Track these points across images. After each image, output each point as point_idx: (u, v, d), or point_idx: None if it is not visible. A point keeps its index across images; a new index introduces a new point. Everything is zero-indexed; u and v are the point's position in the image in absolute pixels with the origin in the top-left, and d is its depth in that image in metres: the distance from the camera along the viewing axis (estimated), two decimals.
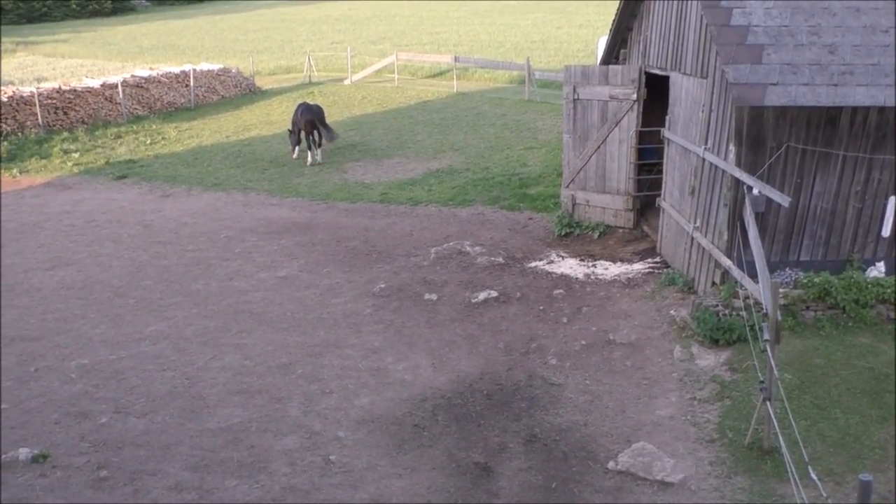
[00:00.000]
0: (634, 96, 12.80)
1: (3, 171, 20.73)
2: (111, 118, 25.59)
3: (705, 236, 10.22)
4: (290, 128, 21.04)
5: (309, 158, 20.38)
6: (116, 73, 30.20)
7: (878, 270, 9.47)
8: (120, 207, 17.30)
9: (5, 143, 22.16)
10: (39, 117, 23.68)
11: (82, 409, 8.51)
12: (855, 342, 8.64)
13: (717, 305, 9.32)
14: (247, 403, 8.55)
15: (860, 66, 8.85)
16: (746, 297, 8.73)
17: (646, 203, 13.77)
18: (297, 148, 20.89)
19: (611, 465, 7.15)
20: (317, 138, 20.32)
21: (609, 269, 12.13)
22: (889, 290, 9.04)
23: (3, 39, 50.85)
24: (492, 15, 56.84)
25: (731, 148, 9.21)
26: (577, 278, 11.87)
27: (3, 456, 7.53)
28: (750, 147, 9.09)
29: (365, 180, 18.41)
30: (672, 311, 10.05)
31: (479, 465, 7.33)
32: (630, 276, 11.74)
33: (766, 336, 6.61)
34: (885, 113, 8.91)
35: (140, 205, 17.49)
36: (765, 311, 7.13)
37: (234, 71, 30.96)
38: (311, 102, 21.80)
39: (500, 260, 12.66)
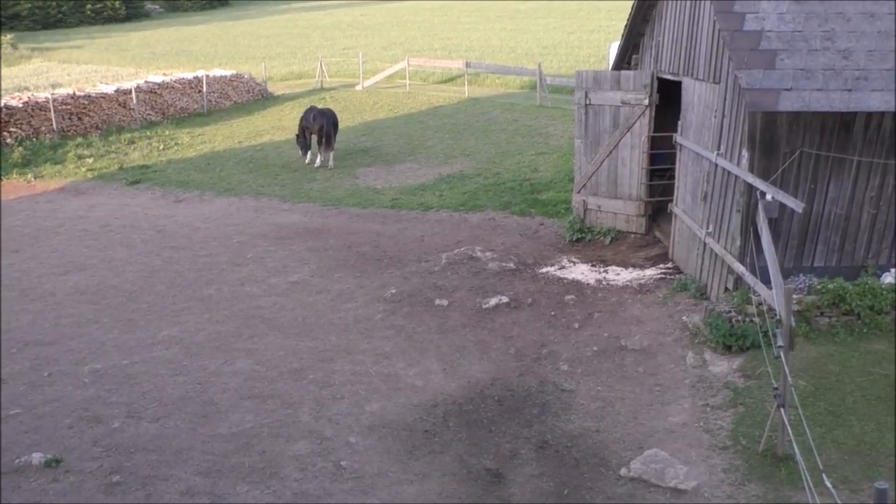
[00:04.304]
0: (646, 102, 12.76)
1: (18, 176, 20.92)
2: (125, 124, 25.77)
3: (718, 242, 10.17)
4: (298, 132, 21.12)
5: (317, 161, 20.49)
6: (130, 79, 30.42)
7: (892, 276, 9.39)
8: (133, 212, 17.41)
9: (20, 148, 22.36)
10: (54, 123, 23.88)
11: (95, 414, 8.55)
12: (870, 348, 8.57)
13: (729, 311, 9.27)
14: (258, 409, 8.56)
15: (875, 71, 8.80)
16: (760, 304, 8.68)
17: (658, 208, 13.72)
18: (308, 153, 20.99)
19: (623, 471, 7.11)
20: (323, 142, 20.38)
21: (621, 275, 12.08)
22: None
23: (20, 45, 51.35)
24: (503, 20, 56.89)
25: (744, 153, 9.16)
26: (588, 284, 11.83)
27: (16, 460, 7.57)
28: (763, 152, 9.05)
29: (376, 186, 18.45)
30: (684, 317, 10.00)
31: (490, 471, 7.31)
32: (642, 281, 11.70)
33: (780, 342, 6.56)
34: None
35: (153, 210, 17.59)
36: (778, 317, 7.08)
37: (246, 76, 31.13)
38: (321, 107, 21.87)
39: (512, 265, 12.64)
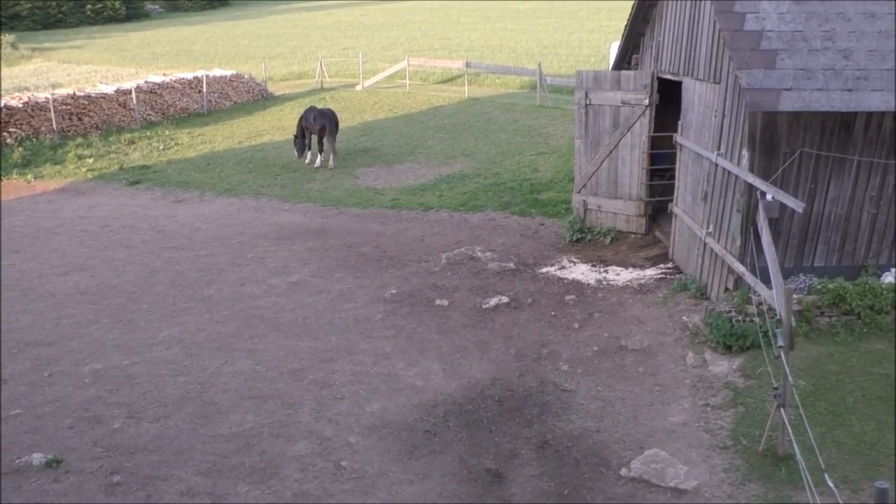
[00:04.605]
0: (646, 101, 12.76)
1: (18, 176, 20.93)
2: (125, 124, 25.78)
3: (718, 242, 10.17)
4: (296, 133, 21.11)
5: (317, 161, 20.53)
6: (130, 79, 30.42)
7: (893, 276, 9.39)
8: (133, 213, 17.41)
9: (20, 148, 22.37)
10: (54, 123, 23.88)
11: (95, 415, 8.55)
12: (870, 348, 8.57)
13: (730, 311, 9.27)
14: (259, 409, 8.56)
15: (875, 71, 8.80)
16: (760, 303, 8.68)
17: (658, 208, 13.72)
18: (309, 153, 21.01)
19: (623, 471, 7.11)
20: (325, 143, 20.42)
21: (621, 275, 12.08)
22: None
23: (20, 46, 51.37)
24: (503, 20, 56.89)
25: (745, 153, 9.16)
26: (588, 284, 11.83)
27: (16, 461, 7.57)
28: (763, 152, 9.05)
29: (376, 186, 18.45)
30: (685, 317, 10.00)
31: (490, 471, 7.31)
32: (642, 281, 11.70)
33: (780, 342, 6.56)
34: None
35: (153, 210, 17.59)
36: (778, 317, 7.09)
37: (246, 77, 31.13)
38: (322, 107, 21.87)
39: (512, 265, 12.64)
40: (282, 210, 17.04)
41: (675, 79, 11.87)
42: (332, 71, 35.16)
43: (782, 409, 6.60)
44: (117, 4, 77.54)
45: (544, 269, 12.55)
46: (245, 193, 18.47)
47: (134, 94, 26.13)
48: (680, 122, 11.72)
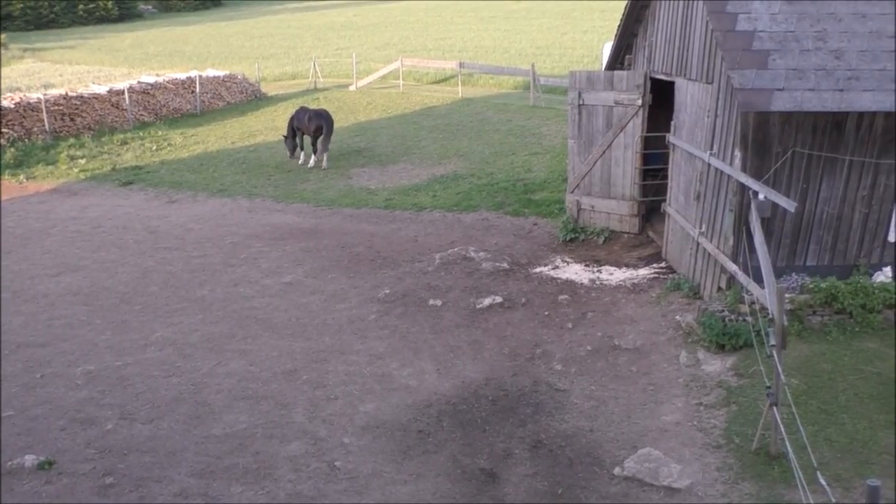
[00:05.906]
0: (639, 102, 12.79)
1: (10, 177, 20.85)
2: (117, 124, 25.70)
3: (711, 241, 10.20)
4: (287, 133, 21.09)
5: (311, 161, 20.51)
6: (123, 80, 30.33)
7: (884, 275, 9.44)
8: (126, 213, 17.36)
9: (12, 149, 22.28)
10: (46, 123, 23.79)
11: (88, 416, 8.52)
12: (862, 347, 8.60)
13: (722, 311, 9.29)
14: (252, 409, 8.55)
15: (866, 71, 8.83)
16: (752, 303, 8.71)
17: (651, 208, 13.74)
18: (302, 154, 21.00)
19: (617, 470, 7.12)
20: (319, 144, 20.43)
21: (614, 275, 12.10)
22: None
23: (11, 46, 51.17)
24: (497, 21, 56.91)
25: (737, 153, 9.19)
26: (582, 284, 11.85)
27: (8, 463, 7.54)
28: (756, 152, 9.08)
29: (370, 186, 18.44)
30: (678, 317, 10.03)
31: (484, 470, 7.31)
32: (635, 281, 11.72)
33: (773, 341, 6.59)
34: (892, 118, 8.89)
35: (146, 211, 17.55)
36: (771, 316, 7.11)
37: (239, 77, 31.08)
38: (316, 108, 21.86)
39: (505, 265, 12.64)
40: (275, 210, 17.02)
41: (668, 79, 11.90)
42: (325, 71, 35.14)
43: (775, 408, 6.62)
44: (110, 5, 77.44)
45: (538, 269, 12.56)
46: (238, 194, 18.44)
47: (126, 95, 26.06)
48: (673, 123, 11.75)
